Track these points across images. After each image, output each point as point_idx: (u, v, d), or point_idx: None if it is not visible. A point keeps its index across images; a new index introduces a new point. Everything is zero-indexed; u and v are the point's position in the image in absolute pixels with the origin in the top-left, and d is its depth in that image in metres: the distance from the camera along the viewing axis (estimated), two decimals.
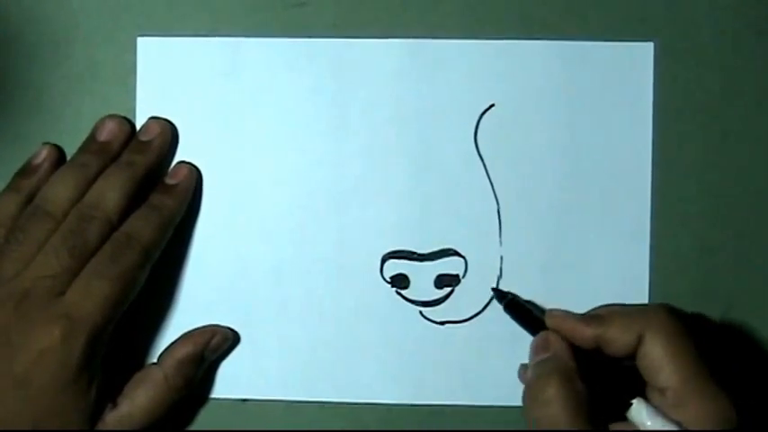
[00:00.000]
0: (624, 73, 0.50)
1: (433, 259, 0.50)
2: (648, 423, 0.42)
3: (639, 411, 0.43)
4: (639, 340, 0.43)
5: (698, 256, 0.50)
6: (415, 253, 0.50)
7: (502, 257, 0.50)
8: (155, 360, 0.49)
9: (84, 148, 0.50)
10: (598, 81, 0.50)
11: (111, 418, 0.46)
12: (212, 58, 0.51)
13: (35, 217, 0.47)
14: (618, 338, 0.44)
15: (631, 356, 0.44)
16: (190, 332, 0.50)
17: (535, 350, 0.46)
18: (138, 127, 0.51)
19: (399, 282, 0.50)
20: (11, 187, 0.49)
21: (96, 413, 0.46)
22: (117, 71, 0.51)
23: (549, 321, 0.46)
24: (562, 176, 0.50)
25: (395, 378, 0.50)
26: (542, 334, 0.46)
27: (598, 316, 0.45)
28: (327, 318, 0.50)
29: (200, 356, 0.49)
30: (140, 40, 0.51)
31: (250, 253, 0.50)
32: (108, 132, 0.50)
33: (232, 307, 0.50)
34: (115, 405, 0.47)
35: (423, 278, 0.50)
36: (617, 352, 0.44)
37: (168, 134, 0.50)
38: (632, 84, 0.50)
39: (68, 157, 0.51)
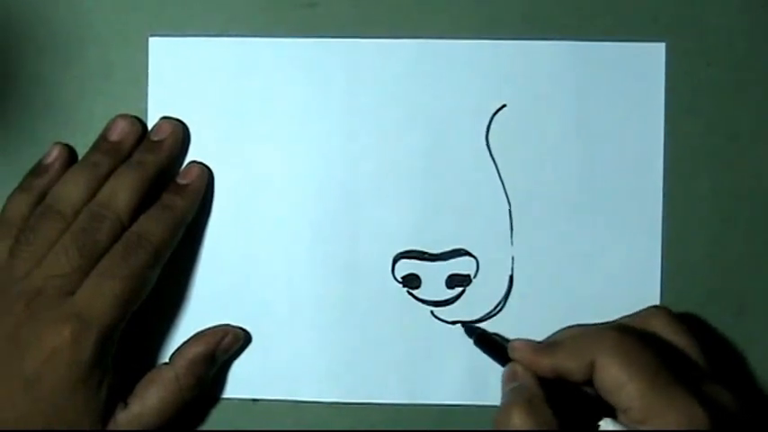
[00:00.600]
0: (636, 73, 0.50)
1: (444, 259, 0.50)
2: None
3: (607, 430, 0.42)
4: (593, 366, 0.43)
5: (709, 256, 0.50)
6: (426, 253, 0.50)
7: (513, 258, 0.50)
8: (166, 360, 0.49)
9: (95, 148, 0.50)
10: (610, 81, 0.50)
11: (123, 417, 0.46)
12: (223, 58, 0.51)
13: (46, 216, 0.47)
14: (571, 367, 0.43)
15: (590, 382, 0.43)
16: (201, 332, 0.50)
17: (504, 381, 0.46)
18: (149, 127, 0.51)
19: (411, 282, 0.50)
20: (22, 187, 0.49)
21: (107, 413, 0.46)
22: (129, 71, 0.51)
23: (511, 353, 0.46)
24: (573, 177, 0.50)
25: (406, 378, 0.50)
26: (510, 365, 0.46)
27: (554, 344, 0.45)
28: (338, 318, 0.50)
29: (211, 356, 0.49)
30: (152, 40, 0.51)
31: (261, 253, 0.50)
32: (119, 132, 0.50)
33: (243, 307, 0.50)
34: (126, 405, 0.47)
35: (434, 278, 0.50)
36: (575, 379, 0.43)
37: (180, 134, 0.50)
38: (644, 84, 0.50)
39: (80, 157, 0.51)
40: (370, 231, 0.50)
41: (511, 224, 0.50)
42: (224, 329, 0.50)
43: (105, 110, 0.51)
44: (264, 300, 0.50)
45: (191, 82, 0.51)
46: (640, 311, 0.47)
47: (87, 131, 0.50)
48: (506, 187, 0.50)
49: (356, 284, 0.50)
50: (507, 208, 0.50)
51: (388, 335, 0.50)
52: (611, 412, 0.43)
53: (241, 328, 0.50)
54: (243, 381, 0.50)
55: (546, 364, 0.44)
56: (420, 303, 0.50)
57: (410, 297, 0.50)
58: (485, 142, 0.50)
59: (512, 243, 0.50)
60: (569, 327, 0.47)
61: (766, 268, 0.50)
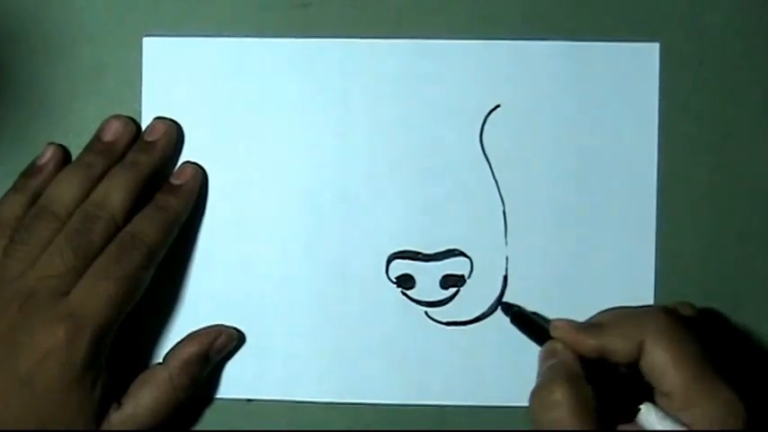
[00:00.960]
0: (630, 73, 0.50)
1: (438, 259, 0.50)
2: (658, 427, 0.42)
3: (648, 416, 0.42)
4: (640, 347, 0.43)
5: (703, 256, 0.50)
6: (420, 253, 0.50)
7: (507, 258, 0.50)
8: (160, 360, 0.49)
9: (89, 149, 0.50)
10: (603, 81, 0.50)
11: (116, 418, 0.46)
12: (217, 59, 0.51)
13: (40, 217, 0.47)
14: (618, 348, 0.43)
15: (635, 363, 0.43)
16: (195, 332, 0.50)
17: (543, 358, 0.46)
18: (143, 127, 0.51)
19: (405, 282, 0.50)
20: (16, 187, 0.49)
21: (101, 413, 0.46)
22: (122, 71, 0.51)
23: (553, 332, 0.46)
24: (567, 177, 0.50)
25: (400, 378, 0.50)
26: (549, 342, 0.46)
27: (598, 325, 0.45)
28: (332, 318, 0.50)
29: (205, 356, 0.49)
30: (146, 41, 0.51)
31: (255, 253, 0.50)
32: (113, 132, 0.50)
33: (237, 307, 0.50)
34: (120, 405, 0.47)
35: (428, 278, 0.50)
36: (620, 360, 0.44)
37: (173, 134, 0.50)
38: (638, 84, 0.50)
39: (73, 158, 0.51)
40: (364, 231, 0.50)
41: (505, 224, 0.50)
42: (217, 329, 0.50)
43: (99, 110, 0.51)
44: (258, 300, 0.50)
45: (185, 82, 0.51)
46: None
47: (81, 132, 0.50)
48: (500, 187, 0.50)
49: (350, 285, 0.50)
50: (501, 208, 0.50)
51: (382, 335, 0.50)
52: (648, 394, 0.43)
53: (235, 329, 0.50)
54: (236, 381, 0.50)
55: (591, 343, 0.44)
56: (414, 304, 0.50)
57: (404, 297, 0.50)
58: (479, 142, 0.50)
59: (506, 243, 0.50)
60: (609, 309, 0.46)
61: (760, 267, 0.50)
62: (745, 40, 0.50)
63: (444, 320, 0.50)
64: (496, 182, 0.50)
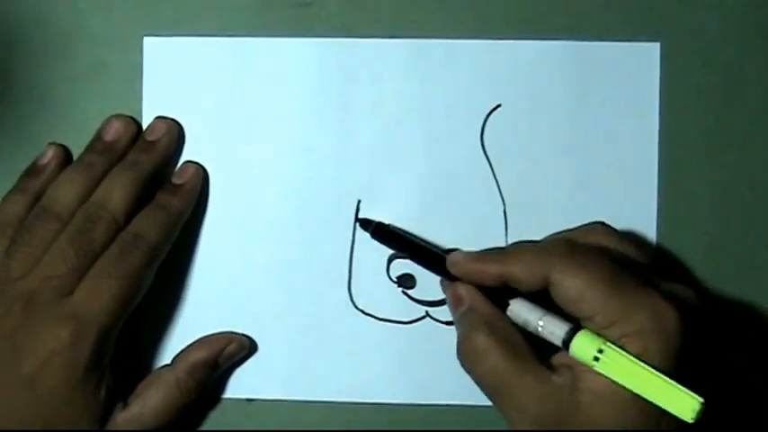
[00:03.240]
0: (630, 73, 0.50)
1: None
2: (530, 318, 0.42)
3: (519, 311, 0.43)
4: (547, 277, 0.41)
5: (704, 255, 0.50)
6: None
7: None
8: (164, 360, 0.50)
9: (90, 148, 0.50)
10: (604, 81, 0.50)
11: (122, 417, 0.47)
12: (218, 58, 0.51)
13: (42, 217, 0.47)
14: (523, 279, 0.42)
15: (538, 292, 0.42)
16: (206, 337, 0.50)
17: (451, 304, 0.45)
18: (144, 127, 0.51)
19: (406, 281, 0.50)
20: (17, 188, 0.49)
21: (106, 413, 0.46)
22: (123, 71, 0.51)
23: (451, 268, 0.45)
24: (568, 176, 0.50)
25: (401, 378, 0.50)
26: (452, 286, 0.45)
27: (501, 252, 0.44)
28: (333, 317, 0.50)
29: (213, 362, 0.49)
30: (147, 40, 0.51)
31: (256, 253, 0.51)
32: (114, 132, 0.50)
33: (238, 307, 0.50)
34: (126, 405, 0.47)
35: (429, 278, 0.50)
36: (523, 289, 0.43)
37: (174, 134, 0.50)
38: (638, 84, 0.50)
39: (75, 157, 0.51)
40: (366, 231, 0.50)
41: (505, 224, 0.50)
42: (229, 337, 0.50)
43: (100, 110, 0.51)
44: (260, 299, 0.50)
45: (185, 82, 0.51)
46: (580, 227, 0.46)
47: (82, 131, 0.50)
48: (501, 187, 0.50)
49: (352, 284, 0.50)
50: (502, 208, 0.50)
51: (383, 334, 0.50)
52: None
53: (246, 336, 0.50)
54: (237, 381, 0.51)
55: (493, 271, 0.43)
56: (415, 303, 0.50)
57: (405, 297, 0.50)
58: (479, 142, 0.50)
59: (506, 243, 0.50)
60: (517, 242, 0.46)
61: (762, 267, 0.50)
62: (745, 39, 0.50)
63: (445, 320, 0.50)
64: (497, 181, 0.50)
